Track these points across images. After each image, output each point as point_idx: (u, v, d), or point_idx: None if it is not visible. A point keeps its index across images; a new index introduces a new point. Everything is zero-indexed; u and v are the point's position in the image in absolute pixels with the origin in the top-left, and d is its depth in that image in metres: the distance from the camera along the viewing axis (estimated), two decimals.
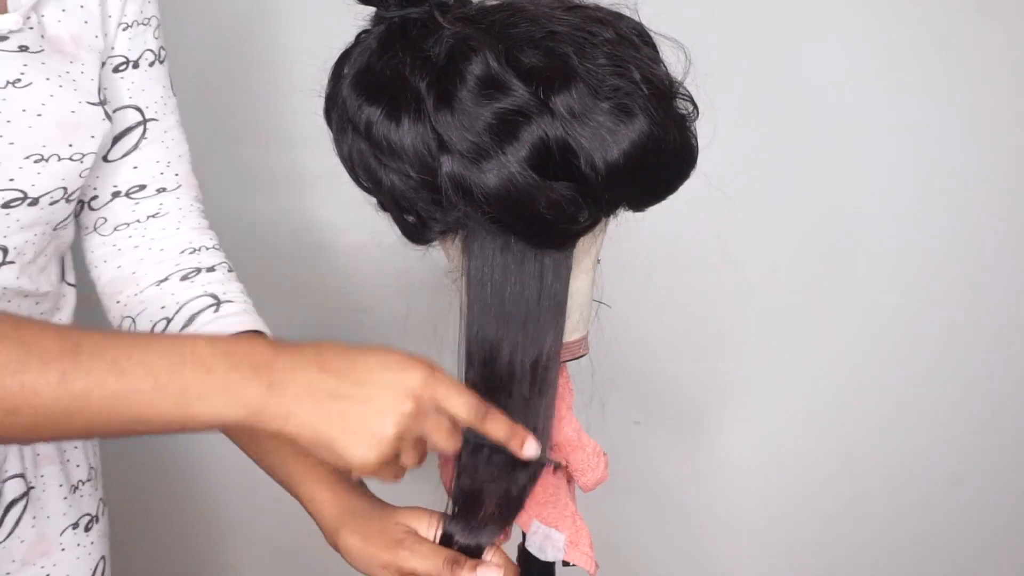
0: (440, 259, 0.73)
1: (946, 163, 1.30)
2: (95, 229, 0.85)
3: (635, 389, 1.37)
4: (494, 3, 0.67)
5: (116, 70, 0.82)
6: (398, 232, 0.70)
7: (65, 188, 0.75)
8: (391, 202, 0.68)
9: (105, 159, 0.82)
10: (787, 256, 1.34)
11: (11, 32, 0.71)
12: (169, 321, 0.81)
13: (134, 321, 0.83)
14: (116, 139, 0.82)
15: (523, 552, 0.78)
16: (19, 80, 0.71)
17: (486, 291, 0.68)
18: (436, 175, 0.63)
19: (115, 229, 0.85)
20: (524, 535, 0.78)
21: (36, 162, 0.72)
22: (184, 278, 0.83)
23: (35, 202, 0.74)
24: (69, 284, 0.86)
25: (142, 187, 0.85)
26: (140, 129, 0.83)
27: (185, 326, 0.80)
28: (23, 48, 0.72)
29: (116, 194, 0.84)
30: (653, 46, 0.68)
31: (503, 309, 0.68)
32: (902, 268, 1.34)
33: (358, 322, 1.35)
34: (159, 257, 0.84)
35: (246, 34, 1.28)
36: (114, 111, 0.81)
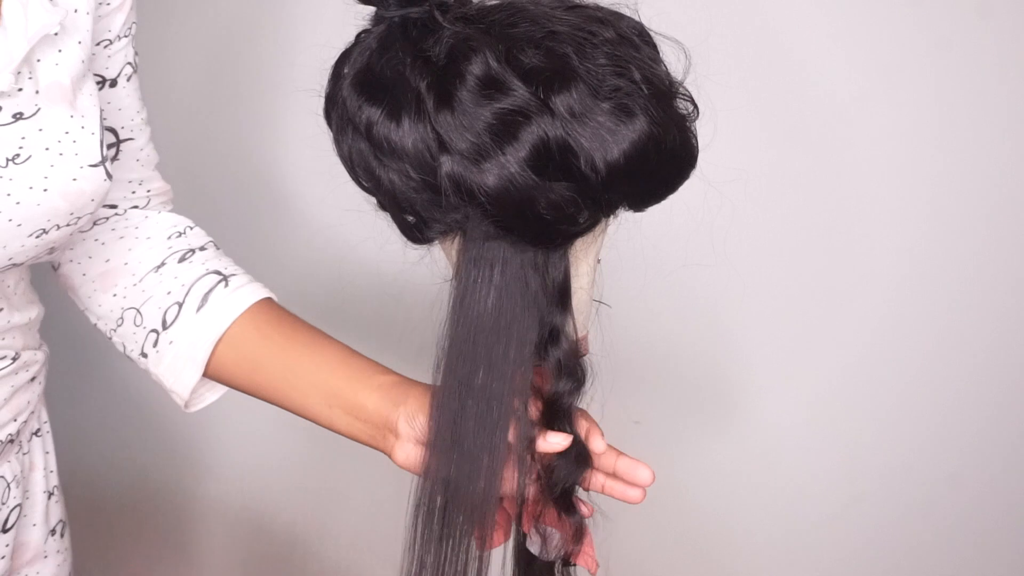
0: (439, 258, 0.73)
1: (948, 163, 1.29)
2: None
3: (635, 389, 1.37)
4: (494, 3, 0.67)
5: None
6: (397, 232, 0.70)
7: (53, 248, 0.72)
8: (391, 202, 0.67)
9: None
10: (787, 256, 1.34)
11: (6, 96, 0.65)
12: (181, 305, 0.79)
13: (139, 312, 0.80)
14: None
15: (523, 552, 0.78)
16: (18, 155, 0.65)
17: (480, 289, 0.68)
18: (436, 175, 0.63)
19: (95, 224, 0.82)
20: (524, 535, 0.78)
21: (38, 237, 0.69)
22: (181, 260, 0.81)
23: (19, 265, 0.71)
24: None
25: (113, 207, 0.82)
26: (112, 151, 0.79)
27: (200, 307, 0.79)
28: (17, 116, 0.66)
29: None
30: (653, 46, 0.68)
31: (500, 305, 0.68)
32: (902, 269, 1.34)
33: (358, 324, 1.35)
34: (148, 244, 0.82)
35: (245, 34, 1.28)
36: None
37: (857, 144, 1.28)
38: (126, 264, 0.82)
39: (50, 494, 0.87)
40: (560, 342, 0.70)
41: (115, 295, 0.82)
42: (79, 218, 0.71)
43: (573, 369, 0.72)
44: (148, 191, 0.83)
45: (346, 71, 0.67)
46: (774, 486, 1.44)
